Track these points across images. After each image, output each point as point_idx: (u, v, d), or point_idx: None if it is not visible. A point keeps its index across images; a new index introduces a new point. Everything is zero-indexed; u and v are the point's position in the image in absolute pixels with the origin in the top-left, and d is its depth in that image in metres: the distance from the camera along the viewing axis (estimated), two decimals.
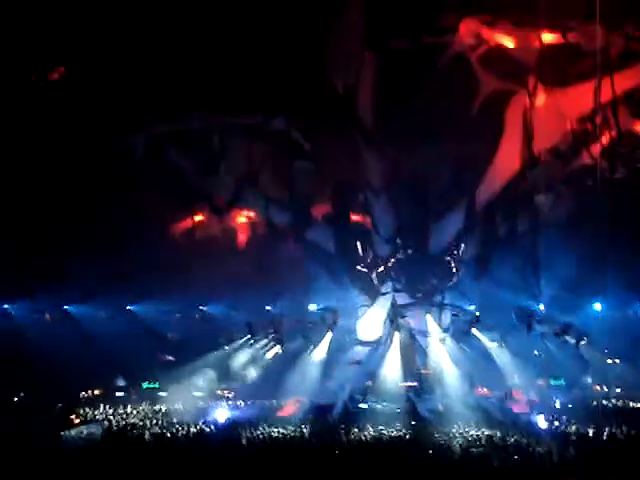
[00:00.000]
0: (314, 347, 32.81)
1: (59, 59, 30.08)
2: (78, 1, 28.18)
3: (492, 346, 32.67)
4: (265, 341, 33.01)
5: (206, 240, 33.44)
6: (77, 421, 27.72)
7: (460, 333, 32.50)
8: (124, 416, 30.64)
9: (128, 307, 35.75)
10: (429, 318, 32.30)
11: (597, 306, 34.53)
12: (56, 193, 30.74)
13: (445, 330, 32.40)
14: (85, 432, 25.32)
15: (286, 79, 28.93)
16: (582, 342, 31.25)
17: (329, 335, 32.64)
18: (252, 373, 33.56)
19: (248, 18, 28.59)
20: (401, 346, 32.42)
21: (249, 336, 32.94)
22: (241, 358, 33.48)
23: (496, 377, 32.56)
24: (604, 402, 32.28)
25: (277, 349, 32.90)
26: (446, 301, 32.90)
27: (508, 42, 30.21)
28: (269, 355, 33.20)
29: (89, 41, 28.81)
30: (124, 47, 28.81)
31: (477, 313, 33.21)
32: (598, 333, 32.31)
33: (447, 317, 32.67)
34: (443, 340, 32.26)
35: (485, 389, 32.70)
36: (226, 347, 33.10)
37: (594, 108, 30.55)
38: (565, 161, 32.50)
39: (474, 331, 32.41)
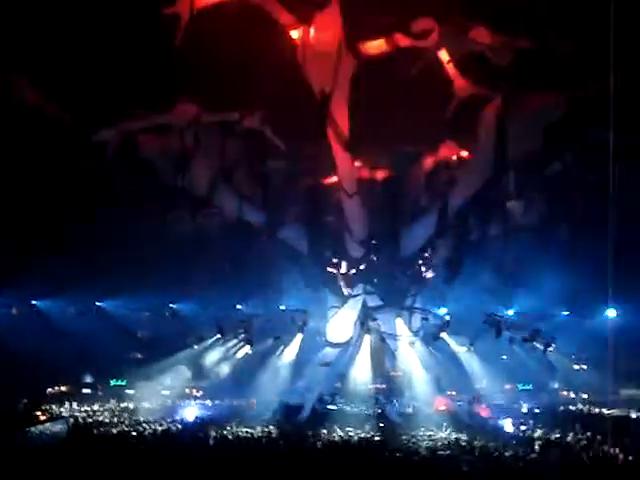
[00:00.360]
0: (284, 348, 32.75)
1: (31, 50, 29.66)
2: None
3: (461, 350, 32.84)
4: (235, 341, 32.84)
5: (178, 237, 33.23)
6: (43, 417, 27.40)
7: (430, 337, 32.59)
8: (90, 413, 30.38)
9: (98, 303, 35.53)
10: (399, 322, 32.36)
11: (565, 312, 34.92)
12: (25, 188, 30.38)
13: (415, 334, 32.48)
14: (51, 429, 25.03)
15: (263, 79, 28.85)
16: (550, 348, 31.47)
17: (299, 336, 32.59)
18: (221, 373, 33.43)
19: (226, 17, 28.52)
20: (371, 349, 32.46)
21: (219, 336, 32.73)
22: (210, 358, 33.33)
23: (464, 381, 32.77)
24: (570, 407, 32.59)
25: (247, 349, 32.75)
26: (417, 304, 33.01)
27: (484, 47, 30.32)
28: (239, 355, 33.07)
29: (63, 34, 28.47)
30: (100, 40, 28.47)
31: (447, 318, 33.37)
32: (566, 339, 32.63)
33: (417, 321, 32.77)
34: (412, 344, 32.33)
35: (453, 392, 32.87)
36: (195, 346, 32.89)
37: (567, 116, 30.78)
38: (537, 167, 32.74)
39: (444, 335, 32.55)
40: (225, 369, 33.44)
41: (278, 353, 32.77)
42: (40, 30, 28.02)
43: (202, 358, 33.28)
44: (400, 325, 32.46)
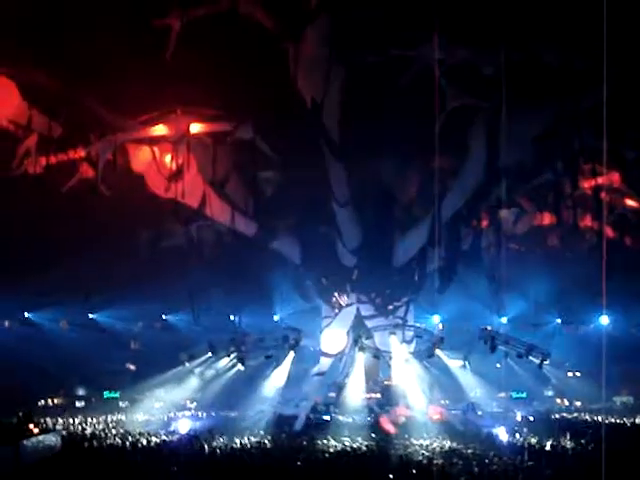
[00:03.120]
0: (277, 365, 32.45)
1: None
2: None
3: (455, 365, 32.77)
4: (227, 360, 32.38)
5: (171, 249, 33.20)
6: (36, 430, 27.23)
7: (424, 354, 32.39)
8: (84, 425, 30.21)
9: (90, 315, 35.46)
10: (393, 339, 32.23)
11: (559, 319, 35.02)
12: (17, 200, 30.35)
13: (409, 351, 32.43)
14: (44, 442, 24.86)
15: (255, 89, 28.93)
16: (545, 362, 31.35)
17: (292, 354, 32.22)
18: (214, 386, 33.19)
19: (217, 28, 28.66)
20: (365, 358, 32.42)
21: (210, 354, 32.28)
22: (203, 374, 32.94)
23: (458, 390, 32.76)
24: (564, 415, 32.58)
25: (239, 367, 32.34)
26: (410, 313, 33.05)
27: (474, 58, 30.46)
28: (231, 372, 32.73)
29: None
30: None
31: (440, 327, 33.30)
32: (559, 348, 32.67)
33: (411, 339, 32.71)
34: (407, 361, 32.28)
35: (446, 401, 32.84)
36: (187, 364, 32.32)
37: (555, 125, 30.97)
38: (528, 177, 32.88)
39: (438, 352, 32.38)
40: (218, 383, 33.17)
41: (271, 370, 32.55)
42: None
43: (195, 374, 32.89)
44: (394, 343, 32.31)
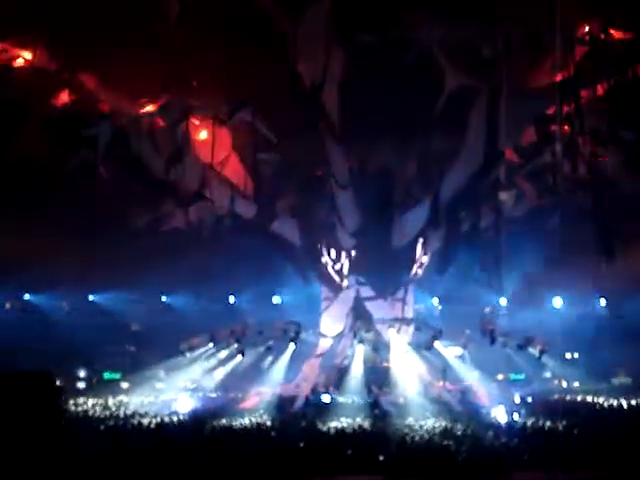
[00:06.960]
0: (277, 355, 32.64)
1: None
2: None
3: (454, 354, 32.93)
4: (227, 351, 32.60)
5: (170, 231, 33.26)
6: None
7: (422, 346, 32.51)
8: (85, 407, 30.38)
9: (91, 297, 35.56)
10: (392, 332, 32.35)
11: (557, 301, 35.06)
12: (18, 181, 30.40)
13: (408, 342, 32.57)
14: None
15: (254, 71, 28.90)
16: (544, 353, 31.50)
17: (292, 347, 32.39)
18: (216, 373, 33.32)
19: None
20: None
21: (211, 345, 32.38)
22: (203, 365, 33.07)
23: (456, 372, 32.95)
24: (562, 396, 32.74)
25: (239, 358, 32.56)
26: (409, 294, 33.18)
27: (475, 38, 30.41)
28: (231, 363, 32.90)
29: None
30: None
31: (440, 310, 33.37)
32: (557, 330, 32.80)
33: (410, 331, 32.84)
34: (406, 352, 32.43)
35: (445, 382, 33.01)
36: (187, 354, 32.45)
37: (558, 106, 30.94)
38: (528, 158, 32.88)
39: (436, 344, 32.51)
40: (220, 369, 33.28)
41: (271, 358, 32.74)
42: None
43: (195, 365, 33.04)
44: (393, 335, 32.43)
